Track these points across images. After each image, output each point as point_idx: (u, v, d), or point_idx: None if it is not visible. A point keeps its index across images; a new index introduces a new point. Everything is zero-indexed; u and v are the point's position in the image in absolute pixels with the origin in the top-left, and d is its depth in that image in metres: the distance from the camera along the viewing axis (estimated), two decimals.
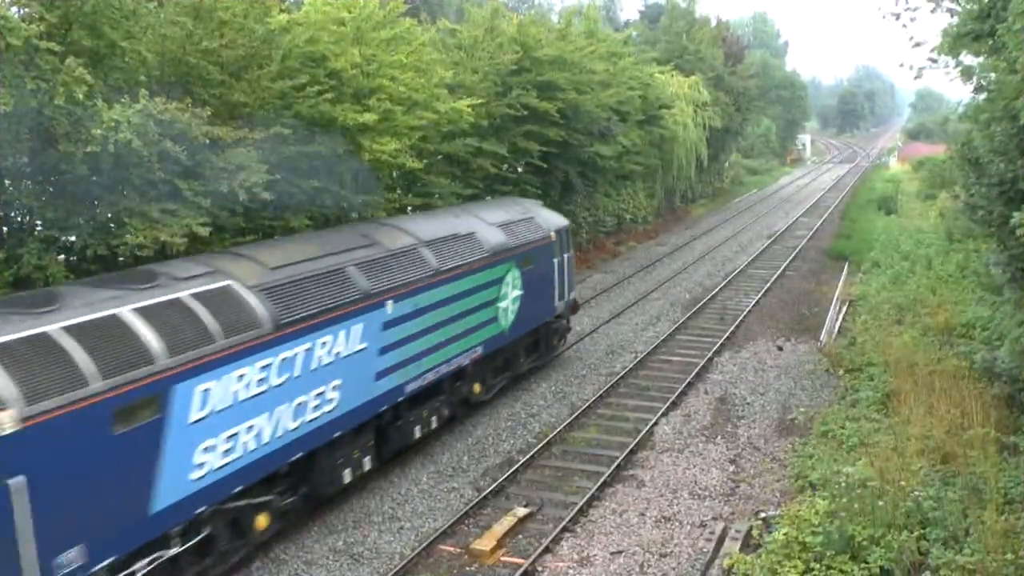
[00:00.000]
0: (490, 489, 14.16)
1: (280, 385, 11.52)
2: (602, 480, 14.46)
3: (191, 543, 10.56)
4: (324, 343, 12.30)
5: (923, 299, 23.05)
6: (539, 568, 11.98)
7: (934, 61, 14.34)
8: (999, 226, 13.62)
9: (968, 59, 14.33)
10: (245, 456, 11.04)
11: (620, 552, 12.34)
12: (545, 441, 16.03)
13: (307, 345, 11.96)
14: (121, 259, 14.33)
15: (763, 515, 12.78)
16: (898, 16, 14.99)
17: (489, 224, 17.71)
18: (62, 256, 14.68)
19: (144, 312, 10.11)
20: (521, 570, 11.74)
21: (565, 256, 20.39)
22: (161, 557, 10.10)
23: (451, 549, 12.50)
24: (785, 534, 11.07)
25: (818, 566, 10.34)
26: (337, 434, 12.78)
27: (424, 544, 12.44)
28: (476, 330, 16.45)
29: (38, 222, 14.35)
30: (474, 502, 13.76)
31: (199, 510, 10.49)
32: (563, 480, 14.76)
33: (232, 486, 10.93)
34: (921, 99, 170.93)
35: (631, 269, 33.01)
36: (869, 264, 31.19)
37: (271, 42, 16.63)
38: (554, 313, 20.05)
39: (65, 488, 8.75)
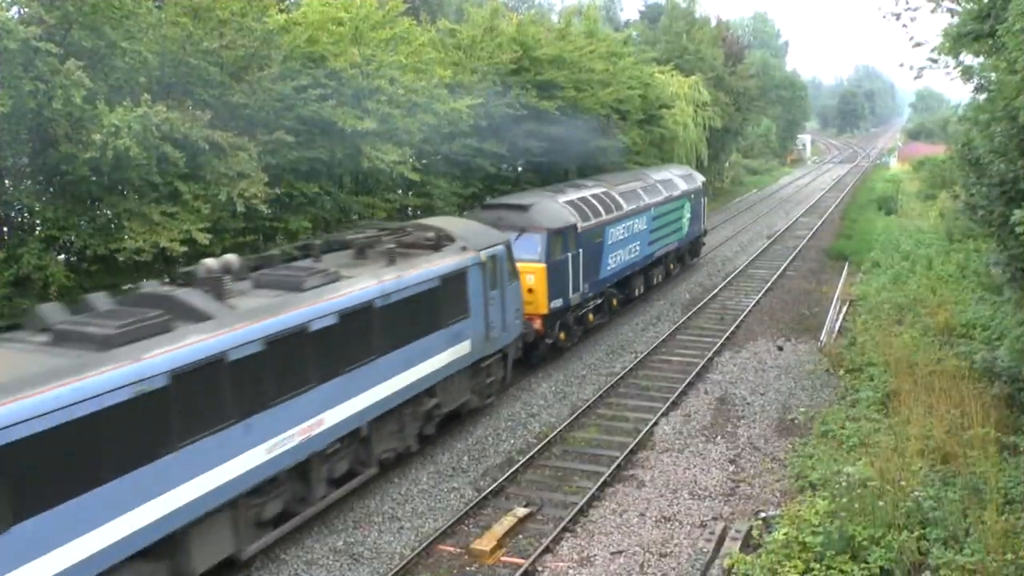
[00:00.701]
0: (490, 489, 14.16)
1: (624, 238, 24.24)
2: (602, 480, 14.46)
3: (608, 298, 24.05)
4: (635, 223, 25.13)
5: (923, 299, 23.05)
6: (539, 568, 11.98)
7: (934, 61, 14.36)
8: (999, 226, 13.62)
9: (968, 59, 14.35)
10: (622, 264, 24.33)
11: (620, 552, 12.34)
12: (545, 441, 16.03)
13: (631, 222, 24.76)
14: (121, 260, 14.34)
15: (763, 515, 12.79)
16: (898, 16, 15.02)
17: (678, 176, 31.37)
18: (62, 256, 14.71)
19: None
20: (521, 570, 11.74)
21: (703, 199, 33.49)
22: (600, 299, 23.23)
23: (451, 549, 12.50)
24: (785, 534, 11.07)
25: (818, 566, 10.34)
26: (640, 267, 26.20)
27: (424, 544, 12.45)
28: (675, 232, 29.35)
29: (38, 222, 14.37)
30: (474, 502, 13.76)
31: (610, 283, 23.71)
32: (563, 480, 14.76)
33: (622, 275, 24.52)
34: (921, 99, 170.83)
35: None
36: (869, 264, 31.18)
37: (271, 42, 16.64)
38: (701, 232, 33.44)
39: (583, 261, 21.10)
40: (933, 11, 14.77)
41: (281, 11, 18.11)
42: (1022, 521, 10.60)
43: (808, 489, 13.07)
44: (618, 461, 15.13)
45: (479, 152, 24.48)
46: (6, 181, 13.86)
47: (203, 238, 14.42)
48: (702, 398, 18.76)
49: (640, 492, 14.27)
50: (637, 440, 16.04)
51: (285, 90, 16.96)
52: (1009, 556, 9.68)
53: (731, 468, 15.14)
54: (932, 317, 21.04)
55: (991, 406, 14.52)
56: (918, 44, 14.47)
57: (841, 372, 19.18)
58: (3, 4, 12.96)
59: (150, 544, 9.82)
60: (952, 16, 14.44)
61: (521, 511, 13.33)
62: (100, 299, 11.06)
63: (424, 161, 22.14)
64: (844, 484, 11.45)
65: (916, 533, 10.46)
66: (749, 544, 12.00)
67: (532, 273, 18.90)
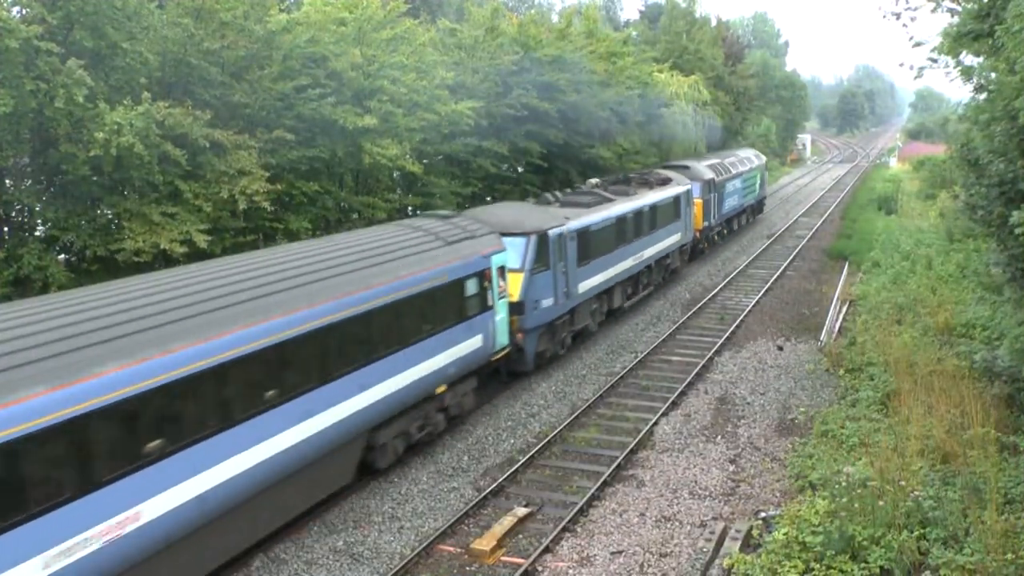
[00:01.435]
0: (490, 489, 14.17)
1: (732, 191, 38.42)
2: (602, 480, 14.47)
3: (724, 228, 38.69)
4: (736, 183, 38.07)
5: (923, 299, 23.06)
6: (539, 568, 11.99)
7: (934, 61, 14.36)
8: (999, 226, 13.63)
9: (968, 59, 14.36)
10: (730, 208, 38.81)
11: (620, 552, 12.35)
12: (545, 441, 16.04)
13: (735, 182, 38.49)
14: (121, 261, 14.36)
15: (763, 515, 12.79)
16: (898, 16, 15.03)
17: (752, 155, 45.10)
18: (62, 256, 14.71)
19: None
20: (521, 570, 11.75)
21: (766, 173, 47.78)
22: (719, 227, 37.49)
23: (451, 549, 12.51)
24: (785, 534, 11.08)
25: (818, 566, 10.35)
26: (737, 212, 40.40)
27: (424, 544, 12.45)
28: (751, 192, 42.69)
29: (39, 222, 14.37)
30: (474, 502, 13.76)
31: (725, 218, 38.36)
32: (563, 480, 14.77)
33: (730, 215, 39.33)
34: (921, 99, 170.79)
35: None
36: (869, 264, 31.19)
37: (272, 43, 16.65)
38: (764, 196, 47.52)
39: (716, 201, 36.38)
40: (933, 11, 14.79)
41: (282, 11, 18.11)
42: (1022, 521, 10.60)
43: (808, 489, 13.07)
44: (618, 461, 15.14)
45: (480, 151, 24.49)
46: (7, 181, 13.87)
47: (202, 239, 14.43)
48: (702, 398, 18.76)
49: (640, 492, 14.28)
50: (637, 440, 16.05)
51: (285, 89, 16.97)
52: (1009, 556, 9.69)
53: (731, 468, 15.15)
54: (932, 317, 21.05)
55: (991, 406, 14.53)
56: (918, 44, 14.49)
57: (841, 372, 19.18)
58: (4, 3, 12.96)
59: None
60: (952, 16, 14.45)
61: (521, 511, 13.34)
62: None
63: (424, 161, 22.14)
64: (844, 484, 11.47)
65: (916, 533, 10.47)
66: (749, 544, 12.00)
67: (696, 205, 32.87)
